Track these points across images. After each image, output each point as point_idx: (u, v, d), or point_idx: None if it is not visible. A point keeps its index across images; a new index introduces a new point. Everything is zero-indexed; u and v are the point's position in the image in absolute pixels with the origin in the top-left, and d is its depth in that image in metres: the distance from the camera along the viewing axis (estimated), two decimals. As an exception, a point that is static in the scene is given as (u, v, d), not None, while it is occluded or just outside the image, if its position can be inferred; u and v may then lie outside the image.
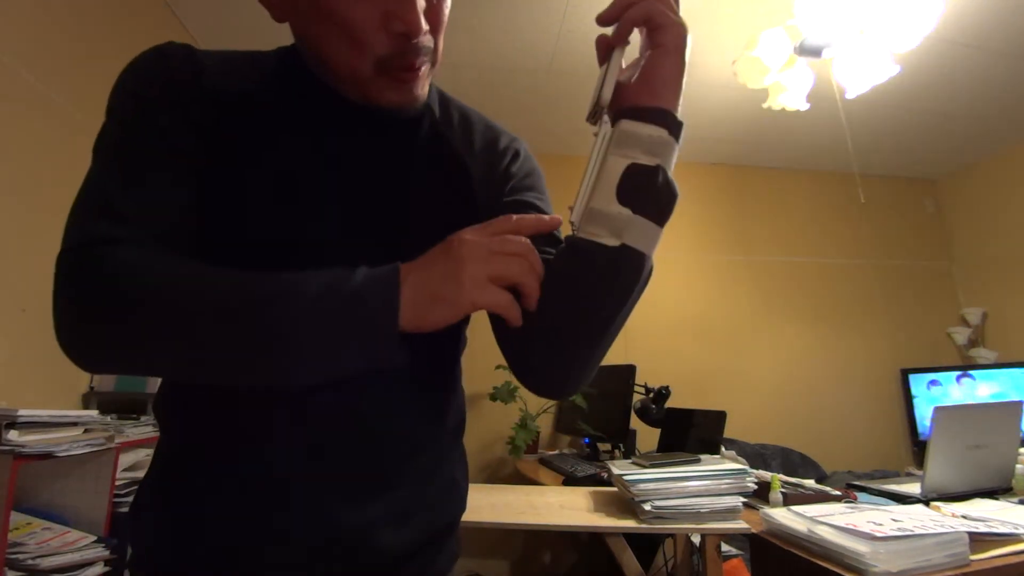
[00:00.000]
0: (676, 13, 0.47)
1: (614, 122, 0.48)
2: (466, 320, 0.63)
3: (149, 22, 1.95)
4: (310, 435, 0.51)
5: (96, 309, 0.43)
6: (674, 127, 0.47)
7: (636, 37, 0.50)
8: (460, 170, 0.60)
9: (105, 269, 0.43)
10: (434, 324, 0.43)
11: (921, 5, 1.63)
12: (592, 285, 0.48)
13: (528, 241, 0.45)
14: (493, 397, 2.54)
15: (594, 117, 0.49)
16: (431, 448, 0.59)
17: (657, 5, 0.46)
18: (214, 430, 0.52)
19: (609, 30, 0.49)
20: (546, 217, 0.49)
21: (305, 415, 0.51)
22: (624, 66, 0.50)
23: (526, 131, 3.06)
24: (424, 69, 0.52)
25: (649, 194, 0.46)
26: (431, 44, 0.52)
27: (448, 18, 0.54)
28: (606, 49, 0.50)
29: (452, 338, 0.63)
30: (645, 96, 0.47)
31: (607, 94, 0.47)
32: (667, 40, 0.47)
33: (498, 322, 0.56)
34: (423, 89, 0.54)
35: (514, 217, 0.47)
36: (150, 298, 0.43)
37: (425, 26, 0.49)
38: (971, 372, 2.93)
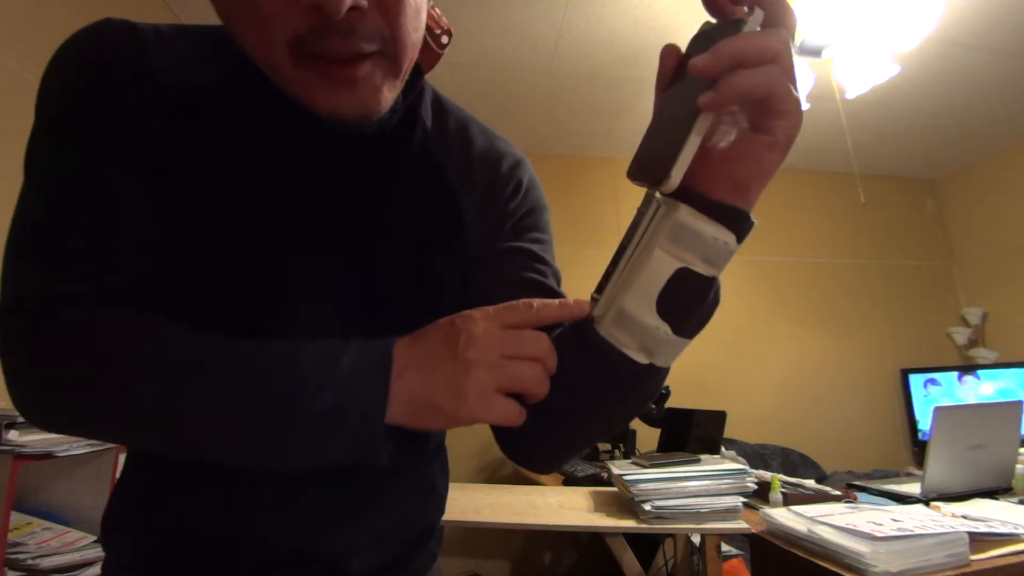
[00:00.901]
0: (798, 90, 0.34)
1: (669, 194, 0.36)
2: None
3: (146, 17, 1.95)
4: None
5: (58, 385, 0.38)
6: (745, 234, 0.36)
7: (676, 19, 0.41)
8: (447, 196, 0.52)
9: (62, 338, 0.38)
10: (426, 428, 0.37)
11: (921, 5, 1.63)
12: (605, 394, 0.42)
13: (547, 340, 0.38)
14: (493, 397, 2.54)
15: (646, 179, 0.35)
16: (413, 467, 0.56)
17: (783, 80, 0.32)
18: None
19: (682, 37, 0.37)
20: (570, 302, 0.39)
21: None
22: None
23: (526, 131, 3.08)
24: (367, 69, 0.39)
25: (697, 312, 0.38)
26: (377, 30, 0.39)
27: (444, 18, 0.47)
28: (674, 69, 0.37)
29: None
30: (726, 189, 0.35)
31: (678, 174, 0.33)
32: (780, 131, 0.33)
33: None
34: (379, 94, 0.41)
35: (535, 304, 0.38)
36: (120, 374, 0.37)
37: (355, 0, 0.36)
38: (977, 371, 2.92)
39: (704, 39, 0.35)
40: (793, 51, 0.34)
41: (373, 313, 0.48)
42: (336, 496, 0.50)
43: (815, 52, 1.87)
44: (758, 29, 0.33)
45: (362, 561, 0.51)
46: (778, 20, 0.33)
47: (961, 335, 3.25)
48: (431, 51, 0.53)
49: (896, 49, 1.75)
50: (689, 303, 0.37)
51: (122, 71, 0.43)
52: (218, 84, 0.45)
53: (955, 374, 2.97)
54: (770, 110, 0.33)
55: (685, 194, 0.35)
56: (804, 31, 1.82)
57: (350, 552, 0.50)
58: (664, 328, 0.37)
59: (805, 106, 1.97)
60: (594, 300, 0.39)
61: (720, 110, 0.33)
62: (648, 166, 0.35)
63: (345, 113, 0.41)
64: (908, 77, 2.41)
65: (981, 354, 3.13)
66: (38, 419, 0.41)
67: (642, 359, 0.38)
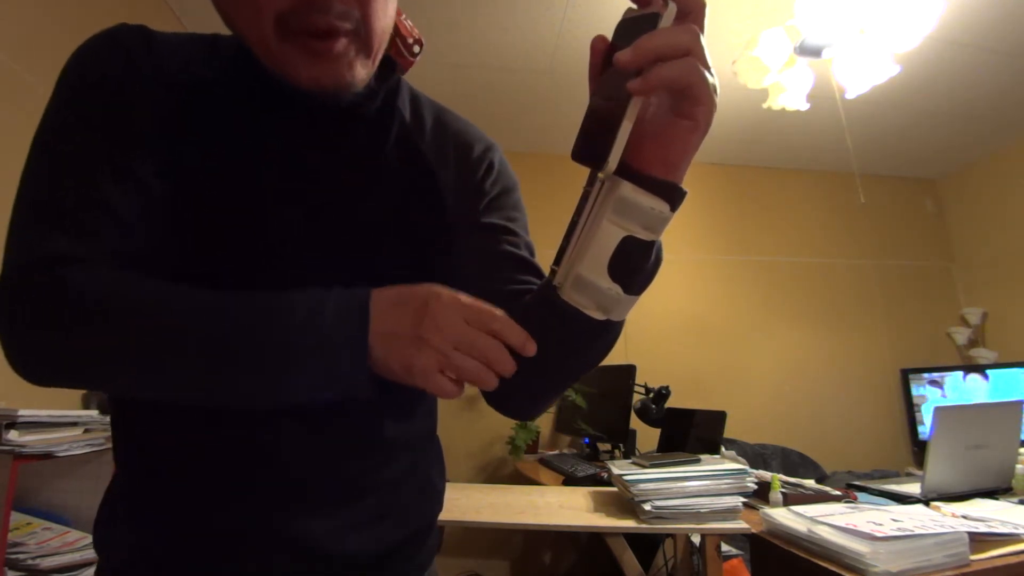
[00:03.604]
0: (713, 76, 0.39)
1: (612, 174, 0.40)
2: None
3: (154, 25, 1.95)
4: (275, 445, 0.50)
5: (54, 333, 0.41)
6: (678, 203, 0.42)
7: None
8: (427, 177, 0.57)
9: (62, 294, 0.41)
10: (396, 378, 0.42)
11: (921, 5, 1.63)
12: (571, 349, 0.49)
13: (497, 344, 0.41)
14: (493, 397, 2.54)
15: (589, 160, 0.40)
16: (403, 453, 0.58)
17: (700, 71, 0.37)
18: (176, 436, 0.51)
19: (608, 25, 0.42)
20: (523, 340, 0.42)
21: (270, 424, 0.50)
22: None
23: (526, 131, 3.08)
24: (344, 43, 0.46)
25: (642, 272, 0.44)
26: (350, 11, 0.45)
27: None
28: (603, 59, 0.42)
29: None
30: (659, 166, 0.41)
31: (615, 159, 0.38)
32: (700, 116, 0.39)
33: None
34: (352, 69, 0.47)
35: (499, 319, 0.42)
36: (117, 320, 0.41)
37: None
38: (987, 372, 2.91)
39: (625, 29, 0.40)
40: (703, 42, 0.37)
41: (357, 274, 0.53)
42: (326, 480, 0.52)
43: (815, 52, 1.87)
44: (672, 22, 0.37)
45: (358, 544, 0.52)
46: (689, 9, 0.38)
47: (961, 335, 3.25)
48: (404, 58, 0.58)
49: (896, 49, 1.75)
50: (635, 265, 0.43)
51: (133, 67, 0.48)
52: (217, 78, 0.51)
53: (959, 374, 2.96)
54: (689, 98, 0.38)
55: (625, 171, 0.41)
56: (804, 31, 1.82)
57: (343, 532, 0.51)
58: (616, 289, 0.43)
59: (805, 106, 1.99)
60: (553, 271, 0.45)
61: (647, 95, 0.37)
62: (589, 151, 0.39)
63: (324, 83, 0.47)
64: (908, 77, 2.41)
65: (981, 354, 3.12)
66: (32, 368, 0.43)
67: (600, 316, 0.44)
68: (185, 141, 0.48)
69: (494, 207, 0.60)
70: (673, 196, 0.42)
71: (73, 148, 0.46)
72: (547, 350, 0.47)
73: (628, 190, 0.41)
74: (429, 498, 0.62)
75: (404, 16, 0.56)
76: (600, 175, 0.41)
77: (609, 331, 0.47)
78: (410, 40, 0.57)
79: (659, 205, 0.41)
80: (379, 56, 0.51)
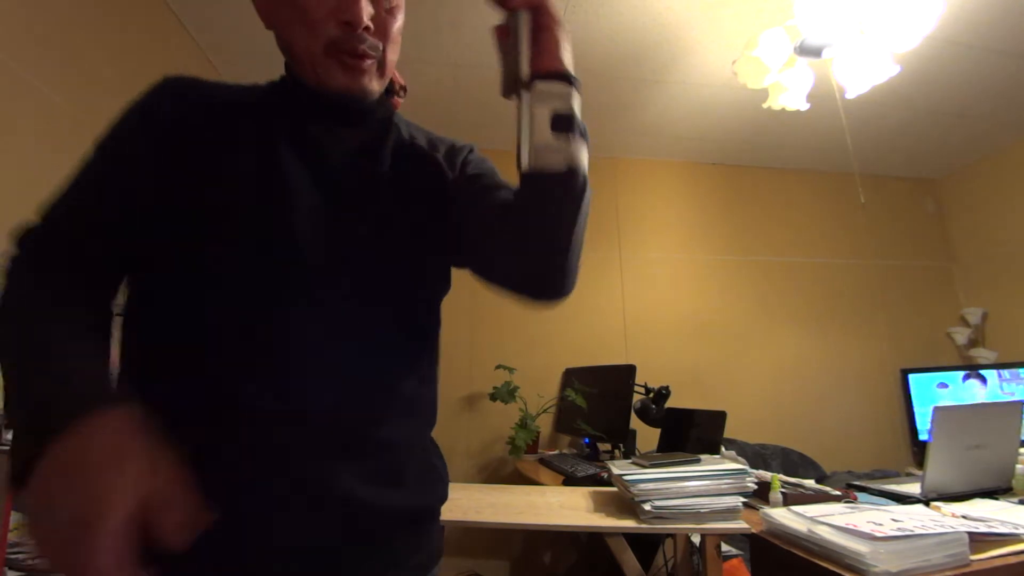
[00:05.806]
0: None
1: (527, 85, 0.56)
2: (438, 323, 0.70)
3: (152, 23, 1.95)
4: (275, 445, 0.53)
5: None
6: (577, 85, 0.57)
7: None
8: (434, 167, 0.69)
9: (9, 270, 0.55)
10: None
11: (921, 5, 1.63)
12: (556, 207, 0.58)
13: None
14: (493, 397, 2.54)
15: (512, 90, 0.56)
16: (401, 451, 0.61)
17: None
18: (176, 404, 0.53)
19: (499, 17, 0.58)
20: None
21: (270, 425, 0.53)
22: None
23: (526, 131, 3.06)
24: (370, 63, 0.63)
25: (574, 124, 0.56)
26: (378, 45, 0.63)
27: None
28: (506, 26, 0.57)
29: (426, 338, 0.67)
30: (547, 65, 0.56)
31: (526, 68, 0.56)
32: (551, 20, 0.56)
33: (477, 265, 0.67)
34: (372, 83, 0.64)
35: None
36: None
37: (368, 23, 0.60)
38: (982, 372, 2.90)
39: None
40: None
41: (369, 253, 0.62)
42: (328, 475, 0.54)
43: (815, 52, 1.87)
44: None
45: (360, 493, 0.55)
46: None
47: (961, 335, 3.25)
48: (395, 99, 0.76)
49: (896, 49, 1.75)
50: (567, 121, 0.56)
51: (154, 119, 0.61)
52: (256, 101, 0.65)
53: (960, 374, 2.95)
54: (539, 8, 0.56)
55: (534, 78, 0.56)
56: (804, 31, 1.82)
57: (356, 487, 0.55)
58: (563, 137, 0.55)
59: (805, 106, 1.99)
60: (518, 164, 0.56)
61: (523, 6, 0.56)
62: (509, 82, 0.56)
63: (352, 89, 0.63)
64: (908, 77, 2.41)
65: (981, 354, 3.12)
66: None
67: (564, 166, 0.55)
68: (229, 148, 0.60)
69: (470, 165, 0.72)
70: (571, 81, 0.56)
71: (84, 170, 0.60)
72: (536, 217, 0.58)
73: (541, 85, 0.56)
74: (435, 479, 0.65)
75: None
76: (523, 89, 0.56)
77: (574, 180, 0.56)
78: (397, 86, 0.77)
79: (565, 88, 0.56)
80: (386, 80, 0.67)
